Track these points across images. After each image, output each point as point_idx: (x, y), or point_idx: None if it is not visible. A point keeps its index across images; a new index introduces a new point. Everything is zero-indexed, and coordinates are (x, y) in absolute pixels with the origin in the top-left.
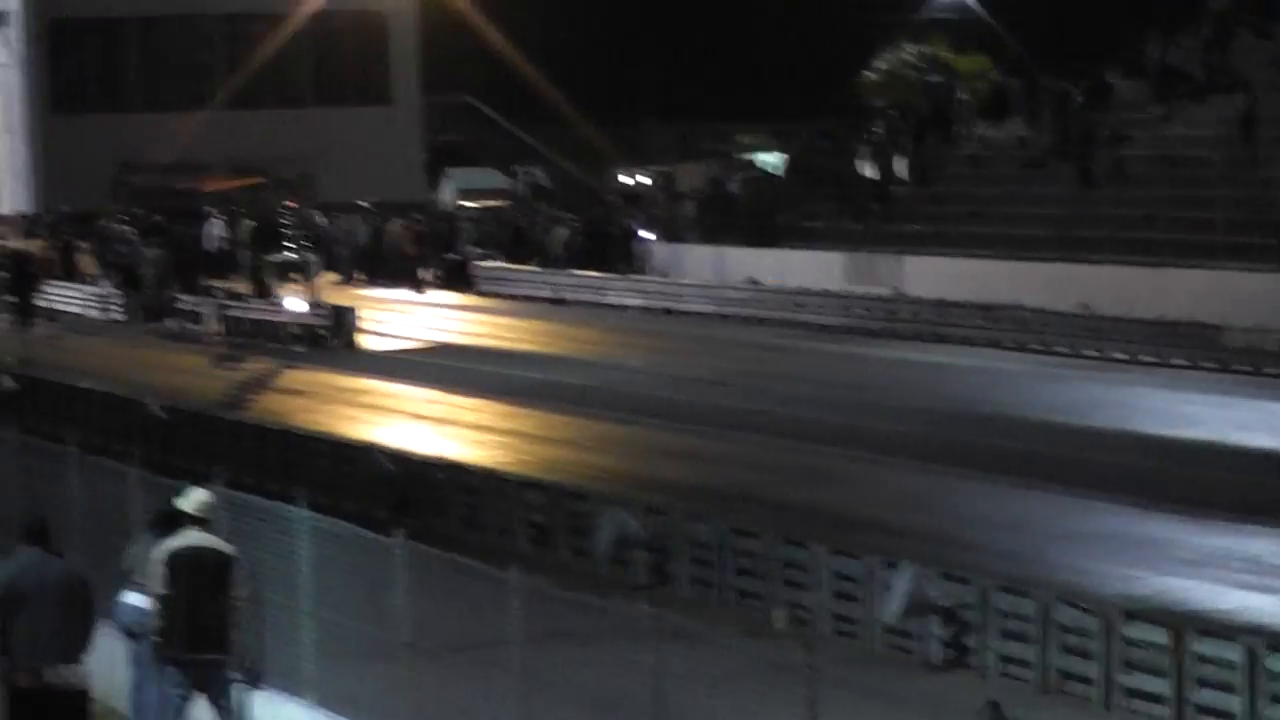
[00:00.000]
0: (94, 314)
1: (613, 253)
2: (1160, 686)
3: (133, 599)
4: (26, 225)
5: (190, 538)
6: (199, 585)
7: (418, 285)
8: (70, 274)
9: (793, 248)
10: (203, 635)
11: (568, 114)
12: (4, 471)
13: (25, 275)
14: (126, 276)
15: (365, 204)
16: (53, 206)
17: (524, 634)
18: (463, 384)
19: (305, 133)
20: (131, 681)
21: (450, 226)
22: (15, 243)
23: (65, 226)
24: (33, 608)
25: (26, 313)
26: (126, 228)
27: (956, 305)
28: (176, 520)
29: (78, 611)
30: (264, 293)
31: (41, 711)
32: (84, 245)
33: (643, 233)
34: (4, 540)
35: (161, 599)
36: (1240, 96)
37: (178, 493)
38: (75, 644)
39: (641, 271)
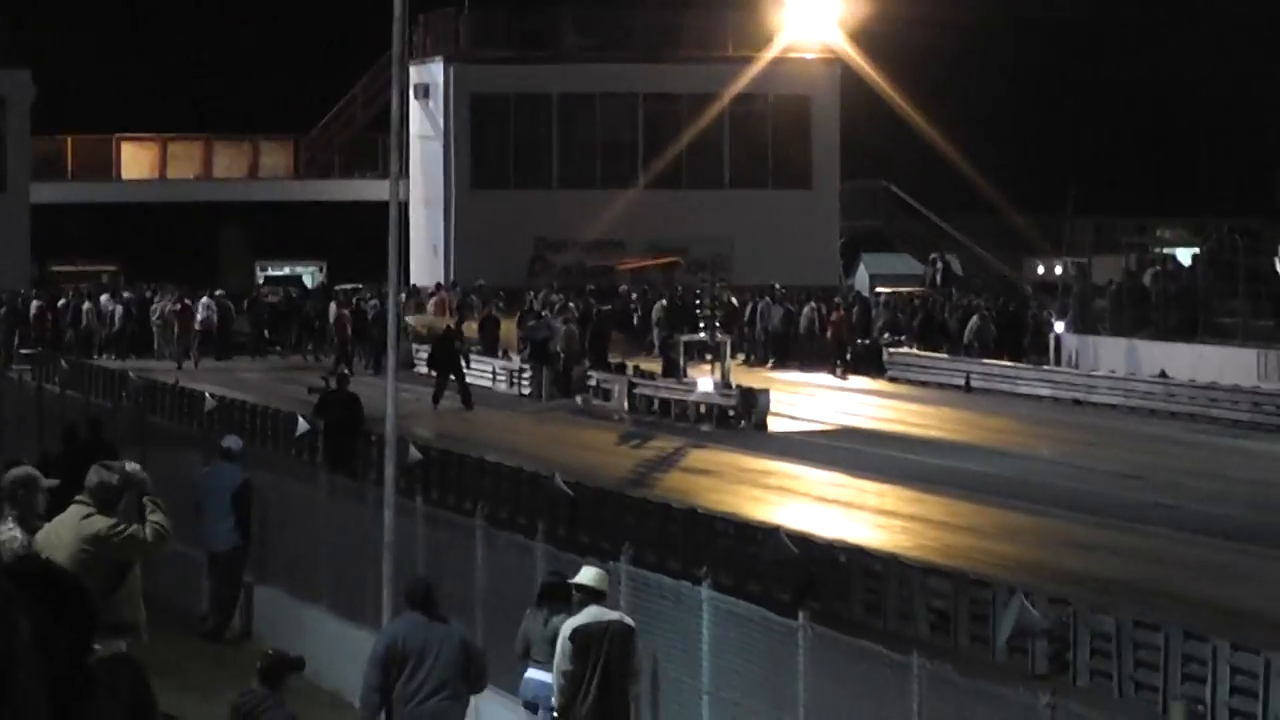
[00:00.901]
0: (504, 388)
1: (1025, 342)
2: None
3: (535, 674)
4: (457, 300)
5: (595, 613)
6: (609, 661)
7: (834, 369)
8: (492, 348)
9: (1207, 343)
10: (611, 710)
11: (984, 201)
12: (408, 541)
13: (450, 351)
14: (538, 351)
15: (779, 286)
16: (470, 281)
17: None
18: (868, 468)
19: (723, 214)
20: None
21: (864, 312)
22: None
23: (488, 301)
24: (414, 669)
25: (462, 394)
26: (539, 303)
27: None
28: (559, 594)
29: (458, 675)
30: (674, 372)
31: None
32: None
33: (1056, 323)
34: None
35: (567, 674)
36: None
37: (563, 569)
38: (455, 705)
39: (1053, 362)
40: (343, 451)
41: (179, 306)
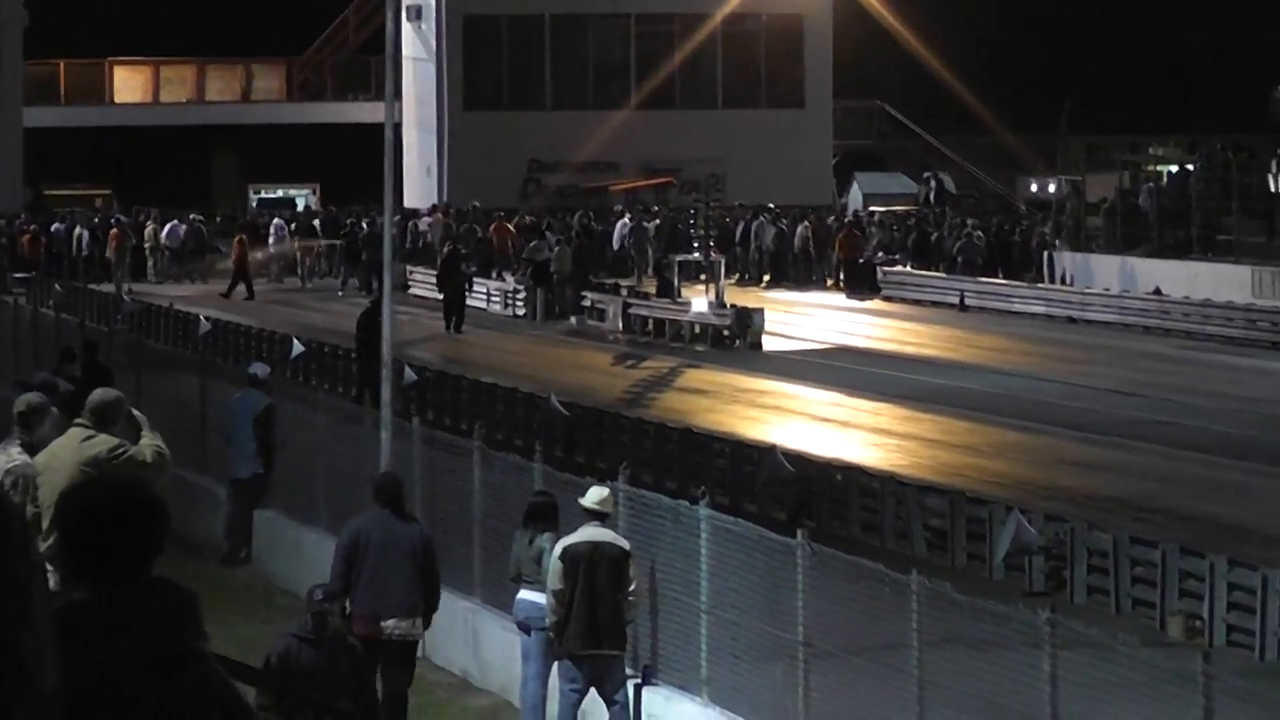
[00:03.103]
0: (498, 309)
1: (1019, 260)
2: None
3: (526, 594)
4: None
5: (588, 533)
6: (597, 581)
7: (841, 287)
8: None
9: (1200, 260)
10: (599, 631)
11: (978, 120)
12: (406, 463)
13: (456, 272)
14: (534, 272)
15: (772, 206)
16: (462, 202)
17: (922, 637)
18: (864, 387)
19: (715, 134)
20: (524, 676)
21: (857, 230)
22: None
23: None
24: (375, 562)
25: (455, 314)
26: (536, 225)
27: None
28: (543, 514)
29: (418, 574)
30: (669, 292)
31: (374, 658)
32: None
33: (1055, 242)
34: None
35: (557, 594)
36: None
37: (559, 490)
38: (415, 601)
39: (1048, 280)
40: (367, 373)
41: (114, 230)
